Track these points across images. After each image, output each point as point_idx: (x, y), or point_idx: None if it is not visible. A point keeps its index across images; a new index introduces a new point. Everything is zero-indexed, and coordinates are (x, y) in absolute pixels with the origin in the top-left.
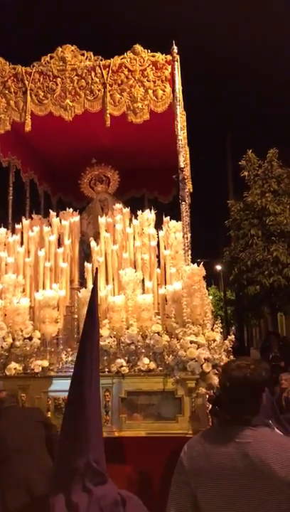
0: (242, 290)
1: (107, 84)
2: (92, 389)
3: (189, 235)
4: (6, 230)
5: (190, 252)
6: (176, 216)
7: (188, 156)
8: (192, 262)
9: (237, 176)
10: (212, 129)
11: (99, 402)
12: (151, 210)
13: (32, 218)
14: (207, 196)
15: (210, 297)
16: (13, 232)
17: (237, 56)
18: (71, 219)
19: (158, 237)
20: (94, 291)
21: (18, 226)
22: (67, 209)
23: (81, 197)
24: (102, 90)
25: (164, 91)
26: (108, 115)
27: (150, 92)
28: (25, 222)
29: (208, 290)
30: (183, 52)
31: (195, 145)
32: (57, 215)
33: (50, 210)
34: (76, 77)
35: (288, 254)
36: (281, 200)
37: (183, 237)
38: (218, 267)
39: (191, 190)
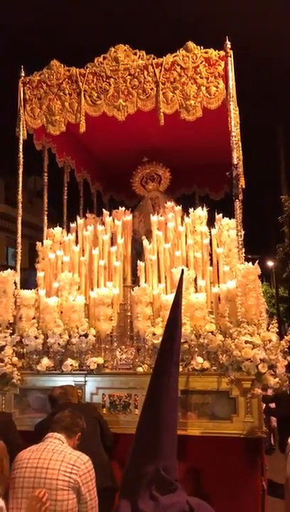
0: None
1: (160, 83)
2: (170, 395)
3: (242, 232)
4: (61, 229)
5: (243, 250)
6: (227, 213)
7: (240, 152)
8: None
9: None
10: (263, 123)
11: (176, 409)
12: (202, 207)
13: (86, 217)
14: (258, 191)
15: (262, 294)
16: (68, 231)
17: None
18: (124, 218)
19: (210, 235)
20: (179, 291)
21: (72, 225)
22: (120, 208)
23: (132, 195)
24: (155, 89)
25: (217, 87)
26: (161, 114)
27: (203, 88)
28: (80, 221)
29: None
30: (235, 47)
31: (246, 138)
32: (110, 214)
33: (104, 210)
34: (129, 76)
35: None
36: None
37: (237, 234)
38: (270, 264)
39: (243, 186)
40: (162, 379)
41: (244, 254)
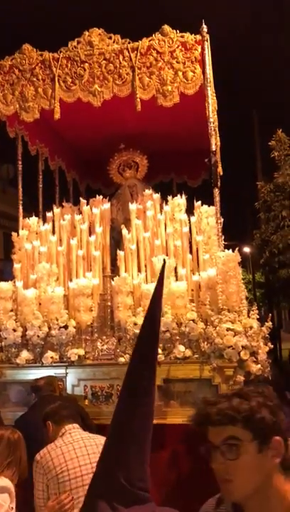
0: (273, 273)
1: (136, 68)
2: (143, 401)
3: (222, 220)
4: (37, 218)
5: (223, 238)
6: (206, 200)
7: (218, 138)
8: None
9: (265, 156)
10: (238, 108)
11: (150, 416)
12: (181, 195)
13: (63, 206)
14: (234, 177)
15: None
16: (45, 220)
17: (262, 33)
18: (101, 206)
19: (189, 223)
20: (160, 284)
21: (49, 214)
22: (97, 196)
23: (109, 183)
24: (131, 74)
25: (194, 72)
26: (138, 99)
27: (180, 73)
28: (56, 210)
29: None
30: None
31: (222, 125)
32: (87, 203)
33: (81, 198)
34: (104, 61)
35: None
36: None
37: (217, 222)
38: (246, 250)
39: (221, 173)
40: (135, 384)
41: (222, 242)
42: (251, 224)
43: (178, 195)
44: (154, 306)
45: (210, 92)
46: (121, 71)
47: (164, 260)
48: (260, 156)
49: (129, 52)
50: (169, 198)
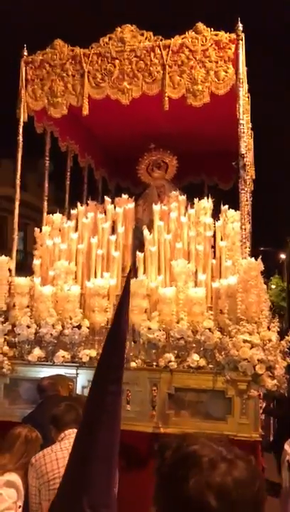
0: None
1: (167, 66)
2: (109, 419)
3: (248, 225)
4: (61, 215)
5: (248, 244)
6: (237, 204)
7: (251, 141)
8: (254, 250)
9: None
10: (277, 112)
11: (116, 436)
12: (208, 198)
13: (87, 204)
14: (272, 181)
15: (273, 286)
16: (69, 218)
17: None
18: (125, 206)
19: (215, 227)
20: (126, 290)
21: (73, 212)
22: (123, 195)
23: (138, 183)
24: (161, 72)
25: (227, 72)
26: (166, 98)
27: (211, 73)
28: (81, 208)
29: (270, 280)
30: (249, 31)
31: (261, 128)
32: (112, 202)
33: (105, 197)
34: (135, 58)
35: None
36: None
37: (241, 227)
38: (282, 256)
39: (253, 177)
40: (100, 400)
41: (250, 247)
42: (288, 229)
43: (205, 198)
44: (119, 318)
45: (242, 92)
46: (151, 69)
47: (130, 269)
48: None
49: (160, 49)
50: (196, 200)
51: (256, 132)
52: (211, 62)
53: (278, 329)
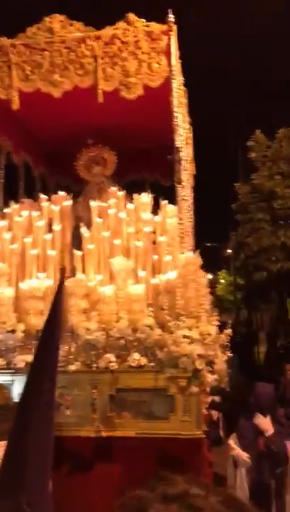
0: (248, 276)
1: (98, 58)
2: (41, 416)
3: (188, 220)
4: None
5: (188, 239)
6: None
7: (190, 135)
8: (200, 246)
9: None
10: (221, 109)
11: (49, 433)
12: (149, 193)
13: (22, 202)
14: (218, 179)
15: (222, 281)
16: (3, 217)
17: (242, 29)
18: (63, 203)
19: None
20: (60, 290)
21: (7, 211)
22: (59, 192)
23: (80, 180)
24: (93, 64)
25: (159, 64)
26: (100, 91)
27: (144, 65)
28: (15, 206)
29: (218, 274)
30: (183, 22)
31: (202, 124)
32: (50, 199)
33: (40, 194)
34: (65, 49)
35: None
36: None
37: (179, 222)
38: (229, 251)
39: (194, 172)
40: (33, 398)
41: (189, 243)
42: (232, 226)
43: (144, 194)
44: (52, 317)
45: (176, 84)
46: (83, 60)
47: (62, 268)
48: (242, 157)
49: (91, 40)
50: (135, 196)
51: (200, 127)
52: (143, 54)
53: (220, 323)
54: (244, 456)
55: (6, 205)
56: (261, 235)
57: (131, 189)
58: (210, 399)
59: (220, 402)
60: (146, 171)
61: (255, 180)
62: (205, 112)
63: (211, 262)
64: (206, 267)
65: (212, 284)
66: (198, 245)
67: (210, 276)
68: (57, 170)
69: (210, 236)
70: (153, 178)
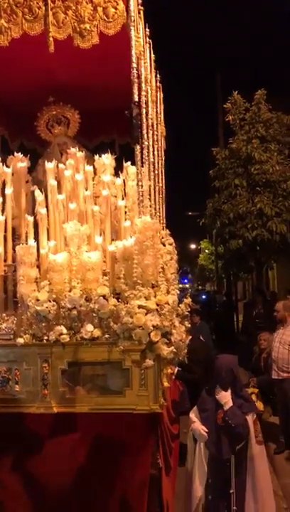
0: (223, 244)
1: (49, 1)
2: None
3: (145, 182)
4: None
5: (149, 204)
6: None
7: (153, 92)
8: (181, 214)
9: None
10: (201, 70)
11: None
12: (112, 154)
13: None
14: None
15: (207, 251)
16: None
17: None
18: (18, 164)
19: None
20: None
21: None
22: (15, 154)
23: (45, 142)
24: (43, 8)
25: (116, 9)
26: (51, 39)
27: (99, 10)
28: None
29: (200, 243)
30: None
31: (183, 87)
32: (4, 161)
33: None
34: None
35: (273, 206)
36: (268, 147)
37: (138, 184)
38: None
39: (164, 133)
40: None
41: (145, 208)
42: (209, 193)
43: (106, 155)
44: None
45: (134, 33)
46: (32, 4)
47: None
48: (222, 120)
49: None
50: (96, 157)
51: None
52: None
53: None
54: (201, 429)
55: None
56: (238, 201)
57: (102, 152)
58: (175, 370)
59: (183, 374)
60: (115, 132)
61: (232, 144)
62: (183, 75)
63: (194, 231)
64: (189, 236)
65: (196, 254)
66: (181, 214)
67: (193, 245)
68: (19, 131)
69: (193, 204)
70: (124, 141)
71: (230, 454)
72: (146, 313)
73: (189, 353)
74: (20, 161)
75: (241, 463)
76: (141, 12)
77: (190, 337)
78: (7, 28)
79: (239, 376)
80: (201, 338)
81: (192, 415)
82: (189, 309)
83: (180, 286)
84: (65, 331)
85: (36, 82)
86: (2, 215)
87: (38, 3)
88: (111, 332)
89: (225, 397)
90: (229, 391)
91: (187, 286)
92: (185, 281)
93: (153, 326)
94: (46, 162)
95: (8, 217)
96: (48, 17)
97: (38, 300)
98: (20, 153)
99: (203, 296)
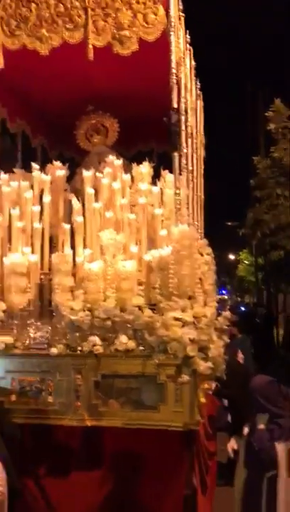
0: (265, 255)
1: (89, 9)
2: None
3: (183, 190)
4: None
5: (187, 212)
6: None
7: (193, 99)
8: (221, 224)
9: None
10: (243, 78)
11: None
12: (150, 162)
13: (13, 172)
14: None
15: (246, 262)
16: None
17: None
18: (56, 173)
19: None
20: None
21: None
22: (54, 162)
23: (84, 151)
24: (83, 17)
25: (156, 15)
26: (90, 46)
27: (139, 16)
28: (3, 176)
29: (239, 254)
30: None
31: (223, 94)
32: (43, 169)
33: (32, 163)
34: (53, 1)
35: None
36: None
37: (175, 192)
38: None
39: (204, 141)
40: None
41: (183, 216)
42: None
43: (145, 163)
44: None
45: (174, 38)
46: (72, 13)
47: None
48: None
49: None
50: (134, 166)
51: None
52: (138, 4)
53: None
54: (231, 448)
55: None
56: (280, 211)
57: (140, 161)
58: (213, 385)
59: (221, 389)
60: (154, 141)
61: (274, 153)
62: (222, 82)
63: (233, 241)
64: (228, 247)
65: (235, 265)
66: (220, 224)
67: (232, 256)
68: (58, 140)
69: (233, 214)
70: (162, 150)
71: (258, 481)
72: (182, 326)
73: (227, 368)
74: (59, 169)
75: (271, 491)
76: (182, 18)
77: (229, 351)
78: (47, 37)
79: (276, 398)
80: (240, 353)
81: (245, 429)
82: (228, 323)
83: (219, 297)
84: (98, 341)
85: (75, 91)
86: (39, 223)
87: (78, 12)
88: (145, 344)
89: (258, 419)
90: (266, 413)
91: (225, 297)
92: (224, 292)
93: (190, 340)
94: (84, 171)
95: (46, 226)
96: (88, 25)
97: (72, 309)
98: (58, 162)
99: (242, 308)
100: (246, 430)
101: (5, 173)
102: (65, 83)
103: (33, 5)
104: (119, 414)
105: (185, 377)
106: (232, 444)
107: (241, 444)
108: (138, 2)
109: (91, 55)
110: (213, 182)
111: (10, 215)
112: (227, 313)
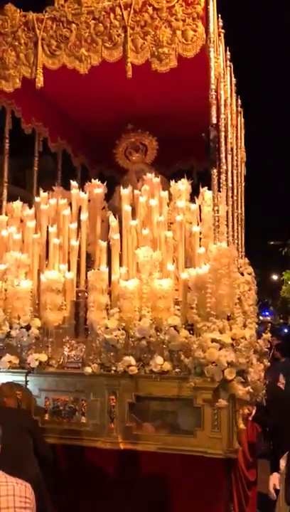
0: None
1: (128, 28)
2: None
3: (221, 207)
4: (21, 203)
5: (224, 229)
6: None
7: (233, 116)
8: (263, 243)
9: None
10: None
11: None
12: (189, 180)
13: (52, 191)
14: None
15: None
16: (31, 206)
17: None
18: (94, 191)
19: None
20: None
21: (37, 199)
22: (92, 180)
23: (123, 170)
24: (122, 35)
25: (195, 31)
26: (129, 64)
27: (178, 33)
28: (43, 194)
29: (283, 274)
30: None
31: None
32: (82, 188)
33: (71, 181)
34: (93, 21)
35: None
36: None
37: (213, 209)
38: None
39: (244, 159)
40: None
41: (221, 234)
42: None
43: (182, 180)
44: None
45: (214, 54)
46: (111, 32)
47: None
48: None
49: (121, 9)
50: (172, 183)
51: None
52: (178, 21)
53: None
54: (272, 485)
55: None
56: None
57: (179, 178)
58: (253, 411)
59: (260, 415)
60: (193, 158)
61: None
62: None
63: (276, 261)
64: (271, 266)
65: (278, 285)
66: (263, 243)
67: (275, 276)
68: (98, 159)
69: (276, 233)
70: (203, 168)
71: None
72: (220, 348)
73: (267, 393)
74: (97, 187)
75: None
76: (222, 35)
77: (270, 375)
78: (87, 56)
79: None
80: (282, 377)
81: (282, 462)
82: (269, 345)
83: (261, 318)
84: (133, 362)
85: (115, 110)
86: (76, 240)
87: (117, 31)
88: (181, 366)
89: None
90: None
91: (268, 318)
92: (267, 313)
93: (228, 363)
94: (122, 188)
95: (82, 243)
96: (127, 43)
97: (107, 328)
98: (97, 180)
99: (285, 331)
100: (283, 464)
101: (44, 191)
102: (105, 102)
103: (74, 25)
104: (154, 438)
105: (223, 402)
106: (274, 481)
107: (281, 478)
108: (177, 19)
109: (130, 73)
110: (255, 200)
111: (48, 233)
112: (267, 336)
